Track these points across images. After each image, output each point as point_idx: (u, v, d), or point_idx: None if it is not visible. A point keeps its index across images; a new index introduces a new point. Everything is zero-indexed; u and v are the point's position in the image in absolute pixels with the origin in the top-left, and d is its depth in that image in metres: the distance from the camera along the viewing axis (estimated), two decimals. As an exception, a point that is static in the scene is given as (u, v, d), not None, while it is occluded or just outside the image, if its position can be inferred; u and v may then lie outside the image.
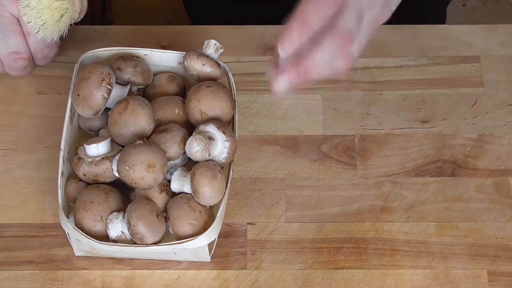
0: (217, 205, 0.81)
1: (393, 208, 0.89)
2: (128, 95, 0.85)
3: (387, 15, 0.79)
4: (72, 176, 0.85)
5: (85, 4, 0.90)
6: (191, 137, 0.81)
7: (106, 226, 0.80)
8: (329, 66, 0.75)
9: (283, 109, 0.95)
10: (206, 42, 0.86)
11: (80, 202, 0.81)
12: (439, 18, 1.28)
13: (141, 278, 0.84)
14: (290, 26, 0.75)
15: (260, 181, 0.90)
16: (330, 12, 0.75)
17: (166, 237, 0.81)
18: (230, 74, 0.87)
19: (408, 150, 0.92)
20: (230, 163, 0.83)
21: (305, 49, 0.75)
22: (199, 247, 0.80)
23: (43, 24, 0.88)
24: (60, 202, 0.81)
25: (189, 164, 0.84)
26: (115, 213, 0.81)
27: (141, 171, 0.78)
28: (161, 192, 0.82)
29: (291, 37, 0.75)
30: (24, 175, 0.90)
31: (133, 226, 0.78)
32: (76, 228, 0.80)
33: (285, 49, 0.75)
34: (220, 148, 0.82)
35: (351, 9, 0.76)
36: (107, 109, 0.85)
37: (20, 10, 0.87)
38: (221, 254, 0.86)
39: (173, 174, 0.82)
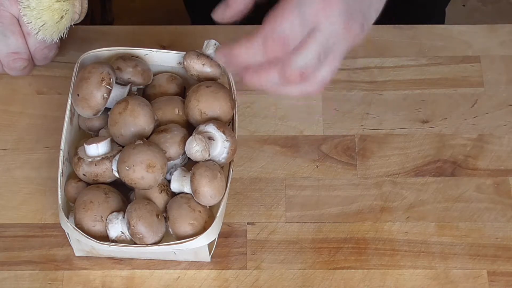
0: (217, 205, 0.81)
1: (393, 208, 0.89)
2: (128, 95, 0.85)
3: (363, 36, 0.76)
4: (72, 176, 0.85)
5: (85, 5, 0.90)
6: (191, 137, 0.81)
7: (106, 226, 0.80)
8: (285, 88, 0.74)
9: (283, 109, 0.95)
10: (206, 42, 0.86)
11: (80, 202, 0.81)
12: (439, 18, 1.28)
13: (141, 278, 0.84)
14: (251, 42, 0.72)
15: (260, 181, 0.90)
16: (297, 38, 0.71)
17: (166, 237, 0.81)
18: (230, 74, 0.87)
19: (408, 150, 0.92)
20: (230, 163, 0.83)
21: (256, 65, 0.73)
22: (199, 247, 0.80)
23: (43, 25, 0.88)
24: (60, 202, 0.81)
25: (189, 164, 0.84)
26: (115, 213, 0.81)
27: (141, 171, 0.78)
28: (161, 192, 0.82)
29: (247, 53, 0.73)
30: (24, 175, 0.90)
31: (133, 226, 0.78)
32: (76, 228, 0.80)
33: (238, 58, 0.74)
34: (220, 148, 0.82)
35: (318, 41, 0.72)
36: (107, 109, 0.85)
37: (20, 11, 0.87)
38: (221, 254, 0.86)
39: (173, 174, 0.82)
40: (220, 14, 0.77)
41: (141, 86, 0.88)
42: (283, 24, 0.71)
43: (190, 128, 0.84)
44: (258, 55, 0.72)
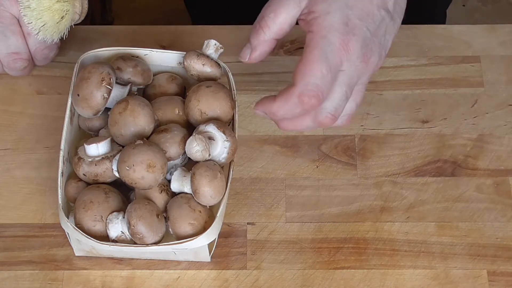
0: (217, 205, 0.81)
1: (393, 208, 0.89)
2: (128, 95, 0.85)
3: (382, 63, 0.78)
4: (72, 176, 0.85)
5: (86, 5, 0.90)
6: (191, 137, 0.81)
7: (106, 226, 0.80)
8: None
9: (283, 109, 0.95)
10: (206, 42, 0.86)
11: (80, 202, 0.81)
12: (439, 18, 1.28)
13: (141, 278, 0.84)
14: (288, 100, 0.74)
15: (260, 181, 0.90)
16: (328, 86, 0.74)
17: (166, 237, 0.81)
18: (230, 74, 0.87)
19: (408, 150, 0.92)
20: (230, 163, 0.83)
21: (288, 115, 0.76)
22: (199, 247, 0.80)
23: (43, 25, 0.88)
24: (60, 202, 0.81)
25: (189, 164, 0.84)
26: (115, 213, 0.81)
27: (141, 171, 0.78)
28: (161, 192, 0.82)
29: (285, 109, 0.75)
30: (24, 175, 0.90)
31: (133, 226, 0.78)
32: (76, 228, 0.80)
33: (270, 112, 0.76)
34: (220, 148, 0.82)
35: (343, 82, 0.74)
36: (107, 109, 0.85)
37: (21, 11, 0.87)
38: (221, 254, 0.86)
39: (173, 174, 0.82)
40: (246, 55, 0.80)
41: (141, 86, 0.88)
42: (315, 77, 0.73)
43: (190, 128, 0.84)
44: (295, 110, 0.75)
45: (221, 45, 0.86)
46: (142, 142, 0.80)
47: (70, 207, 0.84)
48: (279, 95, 0.75)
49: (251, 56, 0.78)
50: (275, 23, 0.77)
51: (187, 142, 0.81)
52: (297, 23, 1.01)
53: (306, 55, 0.74)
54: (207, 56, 0.86)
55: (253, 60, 0.79)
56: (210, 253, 0.84)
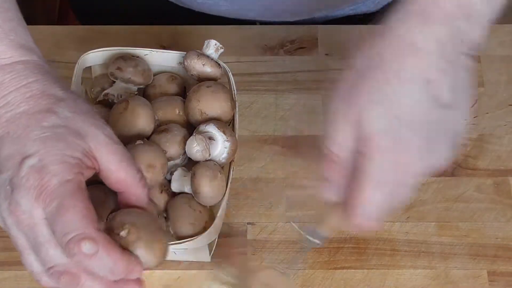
0: (217, 205, 0.81)
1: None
2: (128, 95, 0.85)
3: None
4: (72, 176, 0.84)
5: None
6: (191, 137, 0.81)
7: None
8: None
9: (283, 109, 0.95)
10: (206, 42, 0.86)
11: (80, 202, 0.81)
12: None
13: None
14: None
15: (260, 181, 0.90)
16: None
17: (166, 237, 0.81)
18: (230, 74, 0.87)
19: (408, 150, 0.92)
20: (230, 163, 0.83)
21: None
22: (199, 247, 0.80)
23: None
24: (60, 202, 0.81)
25: (189, 164, 0.84)
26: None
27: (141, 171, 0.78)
28: (162, 192, 0.82)
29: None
30: (24, 175, 0.90)
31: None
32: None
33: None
34: (220, 148, 0.82)
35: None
36: (107, 109, 0.84)
37: None
38: (221, 254, 0.86)
39: (173, 174, 0.82)
40: (331, 194, 0.72)
41: (141, 86, 0.88)
42: (371, 205, 0.69)
43: (190, 128, 0.84)
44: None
45: (221, 45, 0.86)
46: (142, 142, 0.80)
47: (70, 207, 0.84)
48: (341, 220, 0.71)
49: (335, 193, 0.71)
50: (341, 150, 0.69)
51: (187, 142, 0.81)
52: (299, 23, 1.02)
53: (357, 182, 0.68)
54: (207, 56, 0.86)
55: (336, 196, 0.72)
56: (210, 253, 0.84)
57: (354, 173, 0.68)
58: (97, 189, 0.82)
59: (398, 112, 0.65)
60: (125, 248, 0.65)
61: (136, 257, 0.65)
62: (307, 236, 0.71)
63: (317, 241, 0.71)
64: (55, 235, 0.64)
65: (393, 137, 0.66)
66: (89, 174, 0.68)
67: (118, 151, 0.69)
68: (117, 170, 0.69)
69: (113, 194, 0.82)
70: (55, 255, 0.65)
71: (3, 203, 0.66)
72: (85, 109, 0.70)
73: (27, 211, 0.65)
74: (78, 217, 0.64)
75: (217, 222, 0.80)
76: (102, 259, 0.63)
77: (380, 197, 0.68)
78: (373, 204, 0.68)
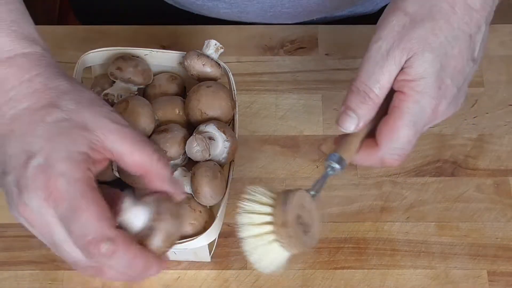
0: (217, 205, 0.81)
1: (393, 208, 0.89)
2: (128, 95, 0.85)
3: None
4: (72, 176, 0.84)
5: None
6: (191, 137, 0.81)
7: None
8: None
9: (283, 109, 0.95)
10: (206, 42, 0.86)
11: (80, 202, 0.81)
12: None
13: (141, 278, 0.84)
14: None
15: (260, 181, 0.90)
16: None
17: (166, 237, 0.81)
18: (230, 74, 0.87)
19: (408, 150, 0.92)
20: (230, 163, 0.83)
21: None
22: (199, 247, 0.80)
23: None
24: (60, 202, 0.81)
25: (189, 164, 0.83)
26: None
27: (141, 171, 0.78)
28: (161, 192, 0.82)
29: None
30: (24, 175, 0.90)
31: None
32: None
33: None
34: (220, 148, 0.82)
35: (417, 133, 0.72)
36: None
37: None
38: (221, 254, 0.86)
39: (173, 174, 0.82)
40: (350, 125, 0.74)
41: (141, 86, 0.88)
42: (402, 143, 0.72)
43: (190, 128, 0.84)
44: (375, 164, 0.75)
45: (221, 45, 0.86)
46: (142, 142, 0.79)
47: (70, 207, 0.84)
48: (362, 151, 0.73)
49: (359, 127, 0.73)
50: (382, 90, 0.72)
51: (187, 142, 0.81)
52: (301, 24, 1.02)
53: (395, 119, 0.71)
54: (207, 56, 0.86)
55: (359, 130, 0.74)
56: (210, 253, 0.84)
57: (389, 111, 0.72)
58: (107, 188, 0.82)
59: (445, 61, 0.71)
60: (141, 241, 0.67)
61: (154, 255, 0.67)
62: (330, 161, 0.73)
63: (337, 165, 0.73)
64: (71, 237, 0.64)
65: (438, 84, 0.70)
66: (98, 168, 0.67)
67: (128, 134, 0.68)
68: (131, 152, 0.68)
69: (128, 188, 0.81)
70: (73, 252, 0.66)
71: (13, 204, 0.66)
72: (90, 98, 0.69)
73: (36, 211, 0.65)
74: (93, 219, 0.64)
75: (217, 222, 0.80)
76: (121, 257, 0.64)
77: (413, 138, 0.72)
78: (405, 142, 0.72)
